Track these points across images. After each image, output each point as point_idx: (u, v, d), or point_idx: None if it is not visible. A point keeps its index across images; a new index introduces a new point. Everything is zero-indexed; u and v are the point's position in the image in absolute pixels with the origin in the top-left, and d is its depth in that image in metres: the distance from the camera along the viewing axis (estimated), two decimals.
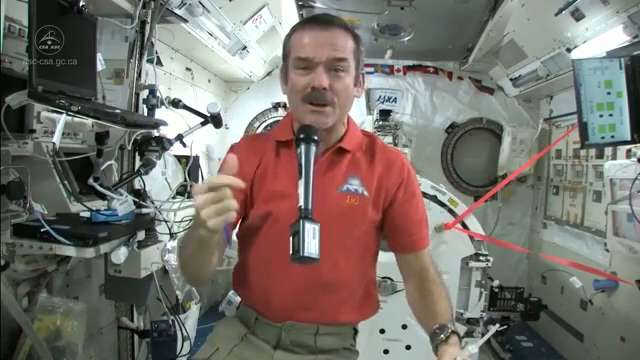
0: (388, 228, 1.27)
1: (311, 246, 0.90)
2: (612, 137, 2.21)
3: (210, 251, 1.07)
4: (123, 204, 1.62)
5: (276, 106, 4.30)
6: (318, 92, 1.12)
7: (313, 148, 1.05)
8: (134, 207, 1.70)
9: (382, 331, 2.66)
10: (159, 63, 2.44)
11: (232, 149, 1.30)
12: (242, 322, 1.30)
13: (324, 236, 0.93)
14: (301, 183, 0.99)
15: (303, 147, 1.05)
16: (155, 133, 1.89)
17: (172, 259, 1.88)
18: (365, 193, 1.21)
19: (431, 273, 1.25)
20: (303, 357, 1.23)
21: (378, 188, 1.23)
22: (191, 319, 2.28)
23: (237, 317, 1.34)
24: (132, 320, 2.10)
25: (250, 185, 1.22)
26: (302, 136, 1.06)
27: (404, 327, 2.66)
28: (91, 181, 1.57)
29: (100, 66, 1.82)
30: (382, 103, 4.31)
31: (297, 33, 1.17)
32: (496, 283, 3.18)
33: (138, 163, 1.90)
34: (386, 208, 1.25)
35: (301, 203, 0.96)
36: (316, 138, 1.07)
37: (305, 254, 0.89)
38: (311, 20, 1.18)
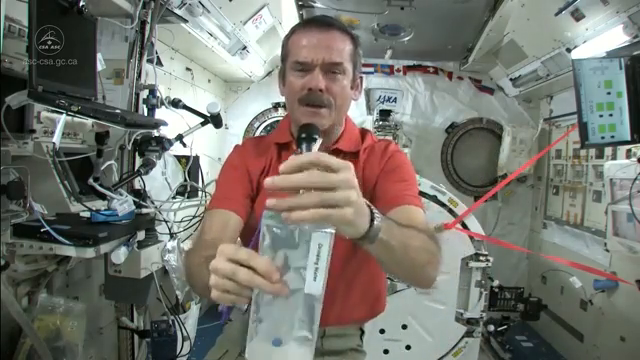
0: (379, 206, 1.20)
1: None
2: (612, 137, 2.21)
3: None
4: (123, 204, 1.62)
5: (276, 106, 4.30)
6: (314, 94, 1.12)
7: (314, 147, 1.04)
8: (134, 207, 1.70)
9: (382, 331, 2.66)
10: (159, 63, 2.43)
11: (236, 150, 1.30)
12: None
13: None
14: None
15: (304, 146, 1.04)
16: (155, 133, 1.89)
17: (172, 259, 1.88)
18: None
19: (418, 224, 1.01)
20: None
21: (364, 180, 1.21)
22: (191, 319, 2.28)
23: (245, 320, 1.34)
24: (132, 320, 2.09)
25: (256, 187, 1.22)
26: (303, 135, 1.06)
27: (404, 327, 2.66)
28: (91, 181, 1.57)
29: (100, 66, 1.81)
30: (382, 103, 4.31)
31: (295, 35, 1.16)
32: (496, 283, 3.19)
33: (138, 163, 1.90)
34: (373, 191, 1.19)
35: None
36: (317, 137, 1.06)
37: None
38: (310, 22, 1.17)
